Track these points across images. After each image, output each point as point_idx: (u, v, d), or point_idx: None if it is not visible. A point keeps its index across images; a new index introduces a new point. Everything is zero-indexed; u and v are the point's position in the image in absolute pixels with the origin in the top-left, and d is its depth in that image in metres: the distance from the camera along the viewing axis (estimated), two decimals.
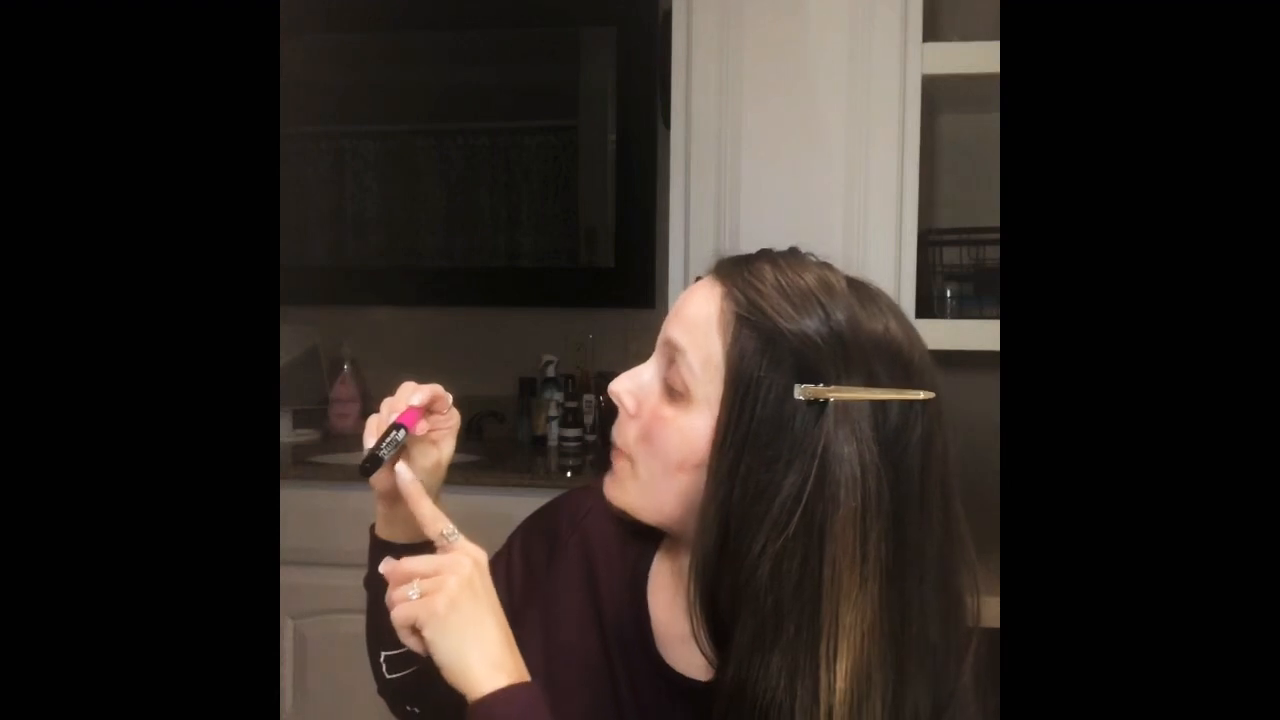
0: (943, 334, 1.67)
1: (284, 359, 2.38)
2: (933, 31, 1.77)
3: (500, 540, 0.96)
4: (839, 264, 0.77)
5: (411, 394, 0.81)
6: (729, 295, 0.73)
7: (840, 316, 0.71)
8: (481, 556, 0.74)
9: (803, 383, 0.69)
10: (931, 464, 0.71)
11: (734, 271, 0.75)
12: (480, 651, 0.70)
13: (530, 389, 2.47)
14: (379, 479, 0.82)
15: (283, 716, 2.11)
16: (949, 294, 1.84)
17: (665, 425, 0.75)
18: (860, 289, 0.75)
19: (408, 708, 0.93)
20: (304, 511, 2.04)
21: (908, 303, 1.75)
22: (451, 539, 0.74)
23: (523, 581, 0.90)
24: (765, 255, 0.77)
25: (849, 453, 0.68)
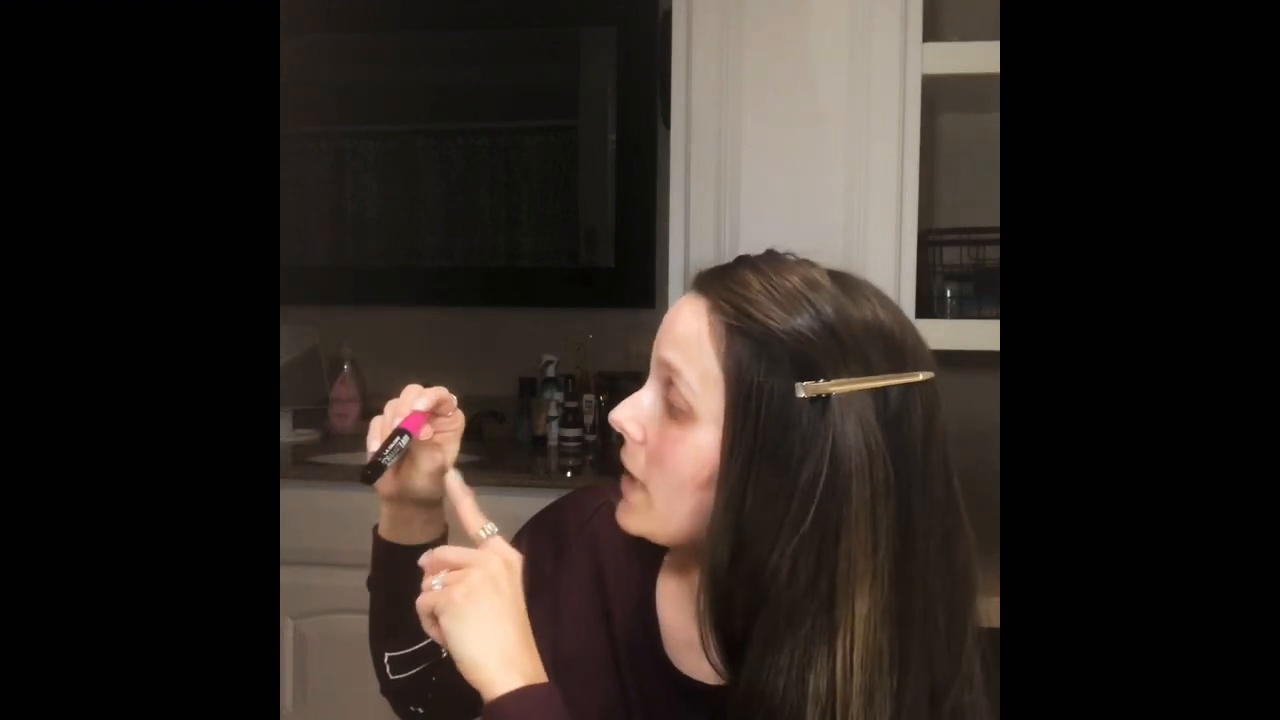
0: (943, 334, 1.67)
1: (284, 359, 2.37)
2: (933, 31, 1.77)
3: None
4: (839, 264, 0.78)
5: (416, 398, 0.81)
6: (716, 307, 0.73)
7: (829, 310, 0.71)
8: (514, 558, 0.74)
9: (802, 380, 0.70)
10: (933, 442, 0.72)
11: (716, 282, 0.75)
12: (496, 648, 0.70)
13: (530, 389, 2.47)
14: (383, 483, 0.82)
15: (283, 716, 2.11)
16: (949, 294, 1.84)
17: (674, 445, 0.74)
18: (843, 280, 0.75)
19: (412, 708, 0.93)
20: (304, 511, 2.04)
21: (908, 303, 1.75)
22: (489, 536, 0.75)
23: (529, 581, 0.90)
24: (744, 262, 0.77)
25: (857, 443, 0.69)
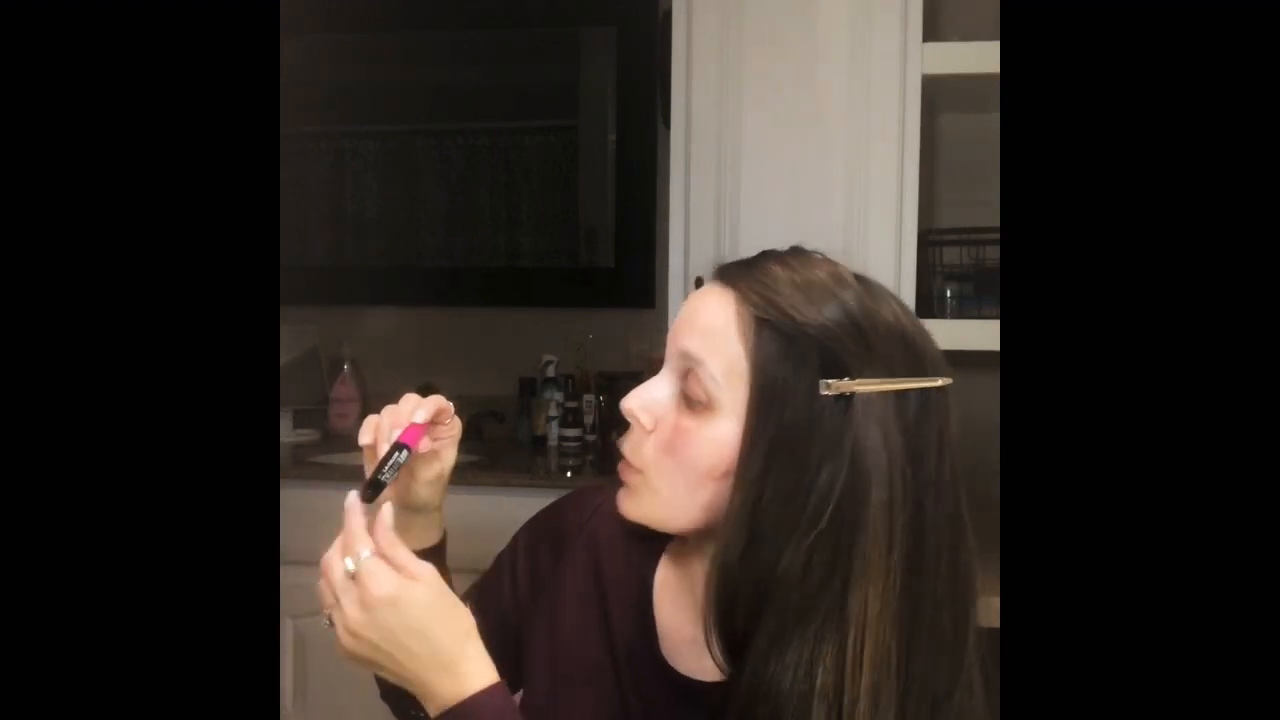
0: (943, 334, 1.64)
1: (284, 359, 2.38)
2: (933, 31, 1.77)
3: (500, 540, 0.96)
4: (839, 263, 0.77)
5: (415, 409, 0.80)
6: (744, 299, 0.73)
7: (856, 308, 0.72)
8: (384, 592, 0.70)
9: (828, 378, 0.70)
10: (946, 448, 0.72)
11: (743, 275, 0.74)
12: (420, 664, 0.70)
13: (530, 389, 2.46)
14: (382, 498, 0.82)
15: (283, 716, 2.11)
16: (949, 294, 1.84)
17: (689, 436, 0.74)
18: (864, 281, 0.75)
19: (413, 712, 0.93)
20: (304, 511, 2.02)
21: (907, 303, 1.75)
22: (362, 564, 0.71)
23: (528, 581, 0.90)
24: (771, 255, 0.76)
25: (876, 444, 0.69)
